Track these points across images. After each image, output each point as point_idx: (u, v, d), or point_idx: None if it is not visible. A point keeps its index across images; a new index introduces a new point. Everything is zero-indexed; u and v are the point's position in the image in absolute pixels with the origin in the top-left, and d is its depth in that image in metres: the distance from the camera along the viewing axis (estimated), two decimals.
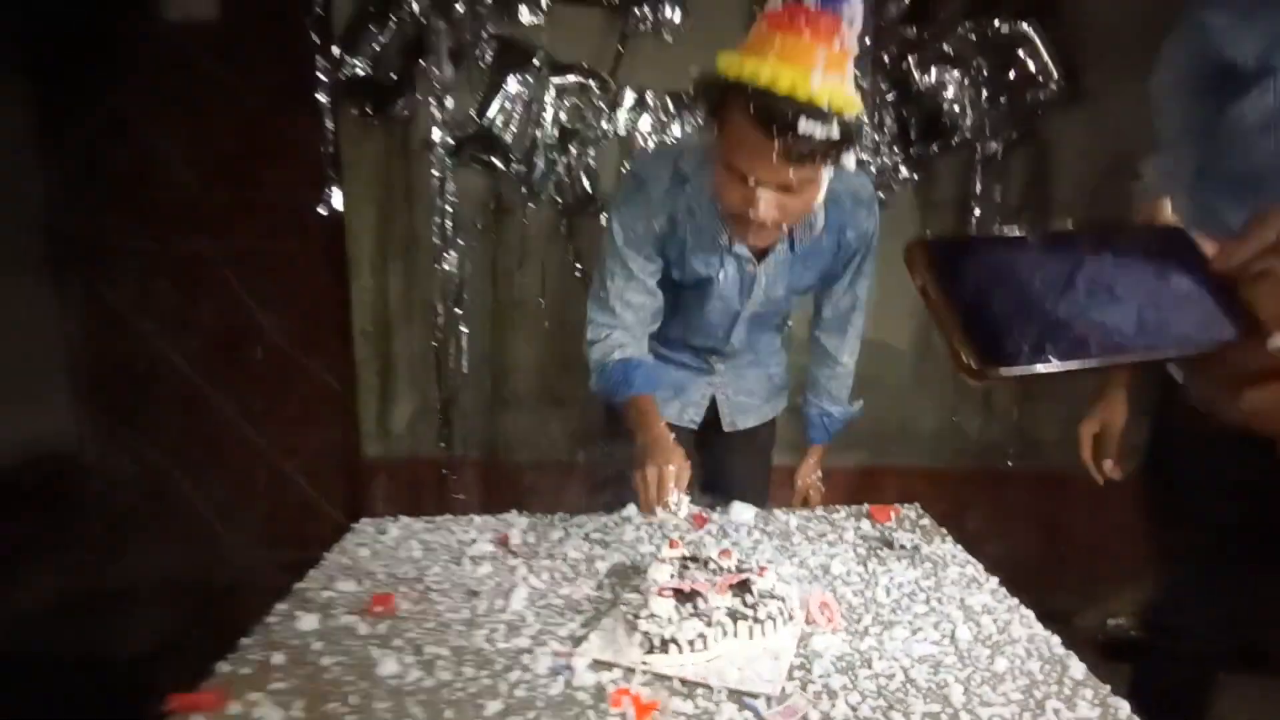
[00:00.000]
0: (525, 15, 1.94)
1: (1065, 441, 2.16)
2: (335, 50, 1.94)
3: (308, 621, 0.93)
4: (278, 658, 0.86)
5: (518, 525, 1.24)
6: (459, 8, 1.90)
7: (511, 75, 1.95)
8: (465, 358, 2.01)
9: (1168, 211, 1.35)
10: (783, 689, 0.79)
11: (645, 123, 2.01)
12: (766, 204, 1.04)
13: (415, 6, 1.91)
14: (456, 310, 1.98)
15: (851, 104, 0.97)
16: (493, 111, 1.97)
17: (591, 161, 2.01)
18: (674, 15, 1.94)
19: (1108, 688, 0.79)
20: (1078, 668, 0.83)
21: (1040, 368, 0.34)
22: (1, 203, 2.07)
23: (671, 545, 1.02)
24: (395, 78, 1.97)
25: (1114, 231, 0.40)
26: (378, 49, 1.95)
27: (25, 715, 1.66)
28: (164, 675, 0.90)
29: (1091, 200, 2.03)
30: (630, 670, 0.83)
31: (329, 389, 2.23)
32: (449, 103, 1.94)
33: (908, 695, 0.78)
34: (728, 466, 1.50)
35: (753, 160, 1.01)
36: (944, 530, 1.23)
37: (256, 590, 2.31)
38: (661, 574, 0.95)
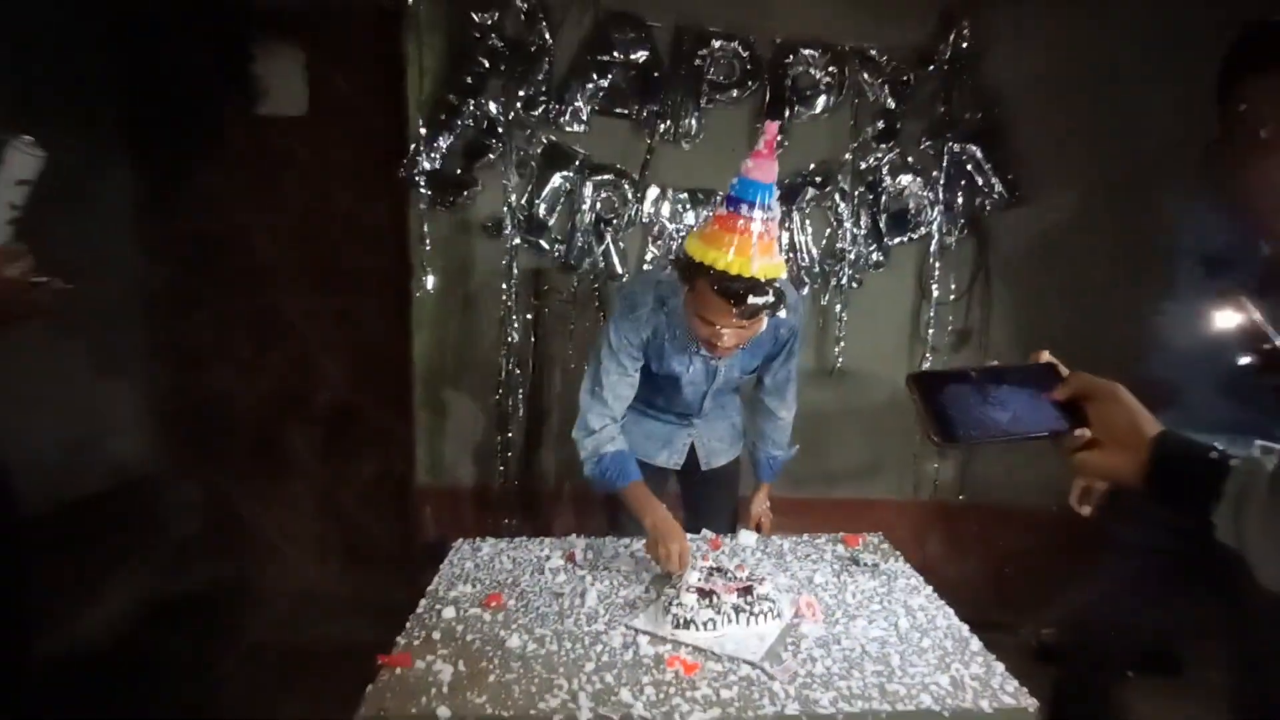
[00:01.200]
0: (569, 124, 2.37)
1: (1007, 483, 2.61)
2: (413, 147, 2.36)
3: (449, 612, 1.33)
4: (435, 634, 1.26)
5: (579, 545, 1.64)
6: (513, 115, 2.34)
7: (557, 173, 2.38)
8: (524, 406, 2.43)
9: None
10: (761, 658, 1.19)
11: (665, 210, 2.44)
12: (727, 339, 1.44)
13: (479, 114, 2.34)
14: (515, 369, 2.41)
15: (780, 270, 1.38)
16: (541, 200, 2.39)
17: (621, 244, 2.44)
18: (691, 127, 2.38)
19: (993, 656, 1.20)
20: (976, 644, 1.24)
21: (963, 444, 0.75)
22: (104, 260, 2.42)
23: (704, 559, 1.44)
24: (460, 172, 2.39)
25: (1015, 369, 0.81)
26: (445, 148, 2.37)
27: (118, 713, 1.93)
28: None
29: (1019, 274, 2.50)
30: (671, 642, 1.23)
31: (387, 428, 2.62)
32: (512, 195, 2.36)
33: (863, 661, 1.19)
34: (706, 495, 1.91)
35: (715, 315, 1.40)
36: (898, 553, 1.64)
37: (317, 598, 2.71)
38: (692, 577, 1.36)
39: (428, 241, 2.39)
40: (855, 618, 1.33)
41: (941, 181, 2.41)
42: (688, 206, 2.42)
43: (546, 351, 2.48)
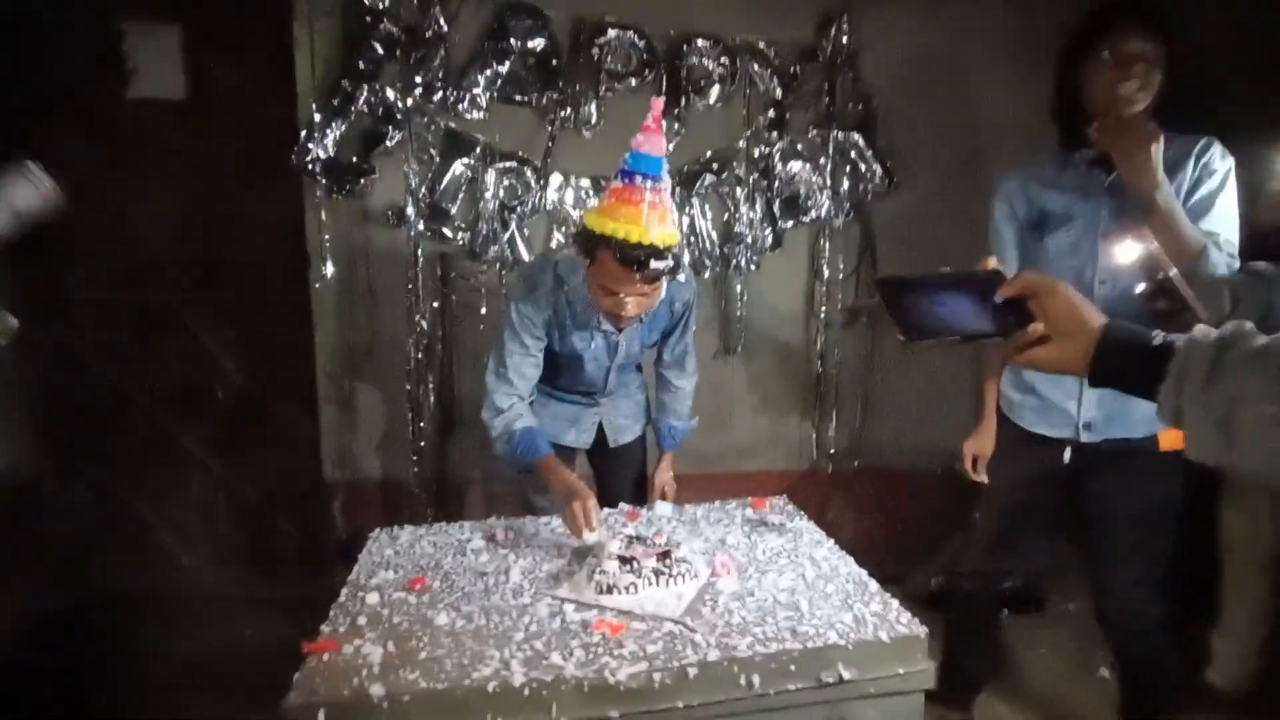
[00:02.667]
0: (469, 111, 2.36)
1: (898, 448, 2.82)
2: (304, 134, 2.28)
3: (372, 598, 1.33)
4: (361, 620, 1.25)
5: (498, 526, 1.66)
6: (411, 102, 2.30)
7: (458, 160, 2.37)
8: (434, 395, 2.40)
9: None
10: (681, 614, 1.26)
11: (569, 197, 2.47)
12: (631, 307, 1.52)
13: (375, 101, 2.29)
14: (419, 356, 2.37)
15: (675, 239, 1.46)
16: (442, 188, 2.37)
17: (526, 231, 2.45)
18: (591, 115, 2.42)
19: (889, 595, 1.33)
20: (874, 585, 1.36)
21: (926, 342, 0.82)
22: None
23: (630, 517, 1.55)
24: (356, 160, 2.33)
25: (967, 274, 0.87)
26: (340, 135, 2.30)
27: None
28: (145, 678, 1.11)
29: (900, 253, 2.70)
30: (596, 607, 1.29)
31: (291, 423, 2.53)
32: (412, 183, 2.32)
33: (776, 609, 1.28)
34: (615, 472, 2.00)
35: (619, 284, 1.48)
36: (802, 512, 1.76)
37: (224, 602, 2.60)
38: (613, 545, 1.42)
39: (325, 232, 2.32)
40: (766, 572, 1.43)
41: (828, 168, 2.56)
42: (591, 193, 2.46)
43: (456, 339, 2.47)
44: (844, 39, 2.49)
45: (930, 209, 2.64)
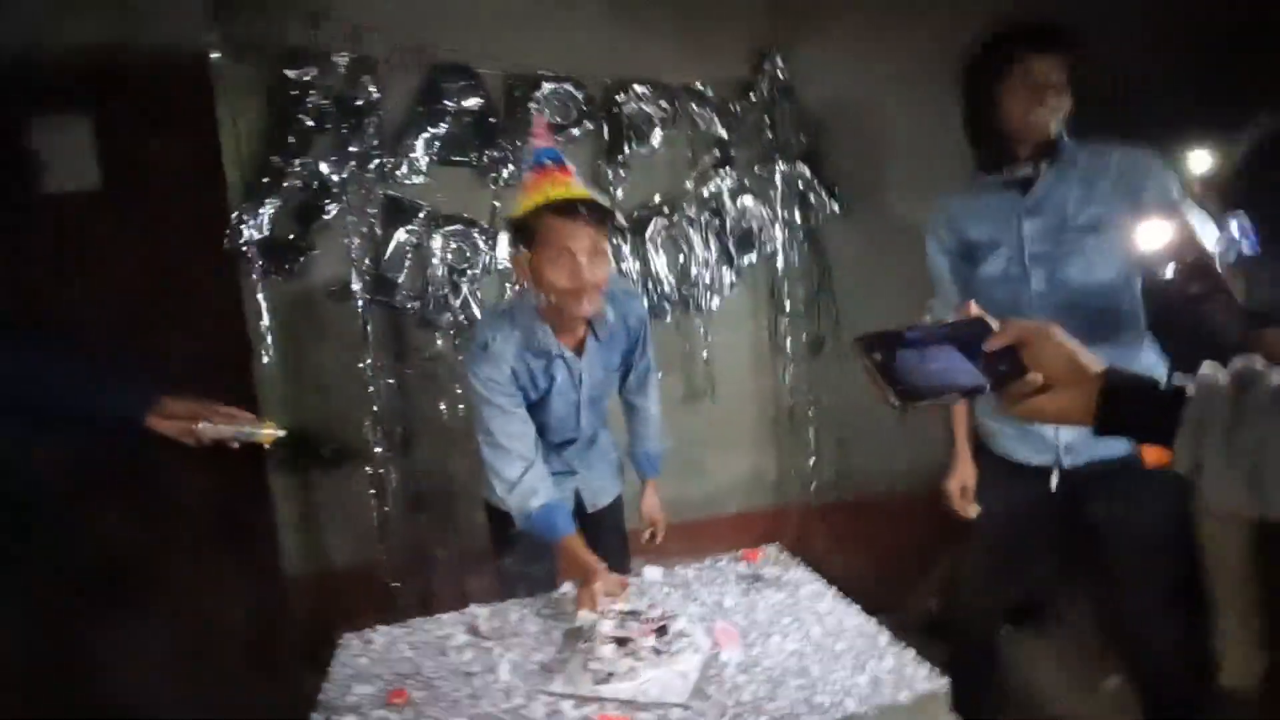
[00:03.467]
0: (408, 176, 2.28)
1: (883, 473, 2.79)
2: (235, 215, 2.17)
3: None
4: None
5: (481, 615, 1.55)
6: (346, 174, 2.22)
7: (401, 228, 2.29)
8: (395, 475, 2.28)
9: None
10: (688, 698, 1.18)
11: None
12: (588, 267, 1.46)
13: (308, 175, 2.21)
14: (378, 436, 2.26)
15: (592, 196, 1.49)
16: (387, 258, 2.28)
17: (478, 293, 2.37)
18: None
19: (902, 644, 1.26)
20: (884, 638, 1.30)
21: (917, 402, 0.75)
22: None
23: (620, 586, 1.48)
24: (293, 237, 2.23)
25: (951, 325, 0.82)
26: (274, 213, 2.20)
27: None
28: None
29: (857, 278, 2.69)
30: (595, 700, 1.19)
31: (246, 521, 2.37)
32: (353, 255, 2.23)
33: (786, 678, 1.21)
34: (597, 537, 1.84)
35: (569, 240, 1.44)
36: (797, 558, 1.69)
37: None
38: (605, 627, 1.32)
39: (265, 315, 2.20)
40: (770, 635, 1.35)
41: (778, 201, 2.56)
42: None
43: (417, 414, 2.36)
44: (779, 73, 2.51)
45: (882, 233, 2.64)
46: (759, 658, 1.28)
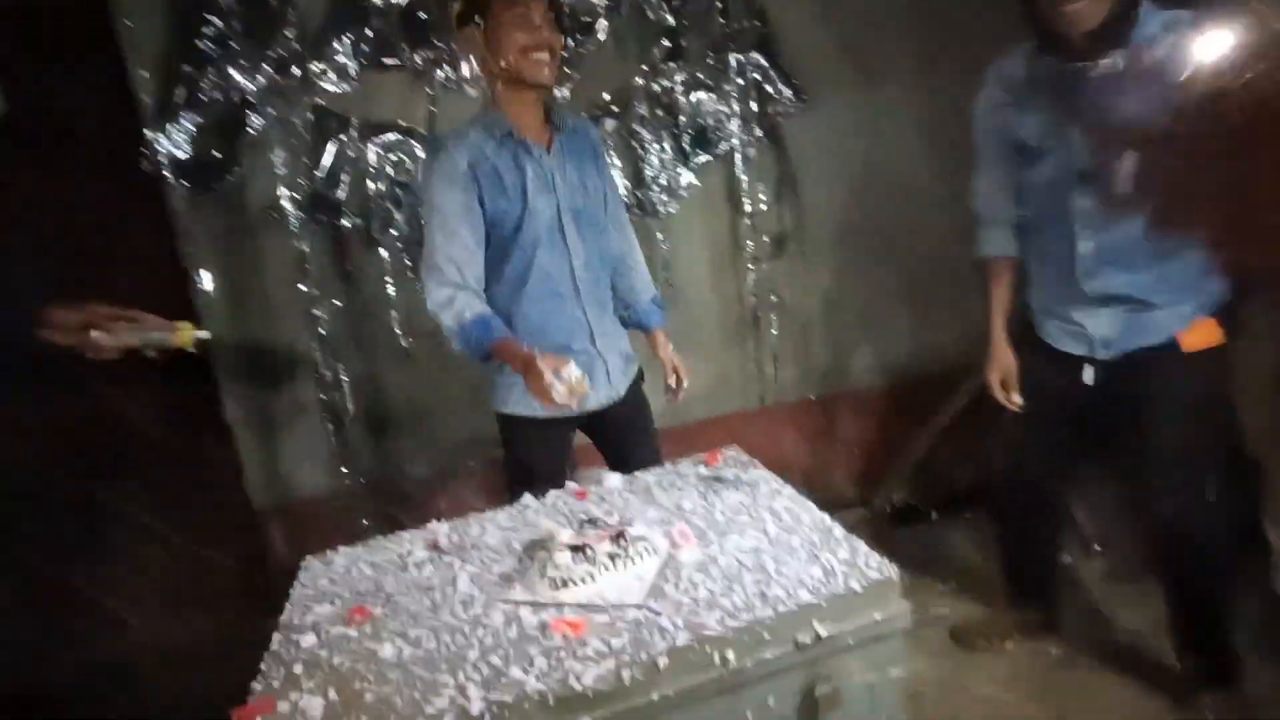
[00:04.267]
0: (336, 85, 2.13)
1: (844, 370, 2.79)
2: (149, 134, 2.02)
3: (308, 640, 1.20)
4: (297, 667, 1.14)
5: (441, 531, 1.54)
6: (263, 81, 2.05)
7: (331, 140, 2.15)
8: (350, 399, 2.23)
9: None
10: (644, 598, 1.19)
11: None
12: (543, 25, 1.48)
13: (224, 86, 2.04)
14: (335, 360, 2.19)
15: None
16: (321, 173, 2.16)
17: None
18: (472, 75, 2.22)
19: (855, 537, 1.28)
20: (838, 530, 1.31)
21: None
22: None
23: (579, 496, 1.48)
24: (217, 154, 2.09)
25: None
26: (194, 128, 2.05)
27: None
28: None
29: (821, 175, 2.61)
30: (554, 605, 1.20)
31: (204, 454, 2.33)
32: (281, 172, 2.10)
33: (742, 573, 1.22)
34: (627, 424, 1.84)
35: (523, 1, 1.46)
36: (756, 460, 1.70)
37: (163, 661, 2.41)
38: (564, 535, 1.32)
39: (199, 239, 2.09)
40: (727, 534, 1.36)
41: (734, 94, 2.43)
42: None
43: (368, 334, 2.29)
44: None
45: (845, 124, 2.55)
46: (715, 555, 1.29)
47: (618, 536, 1.30)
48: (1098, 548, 2.29)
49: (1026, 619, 2.04)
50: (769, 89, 2.47)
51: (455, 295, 1.52)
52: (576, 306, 1.70)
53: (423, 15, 2.16)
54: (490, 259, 1.61)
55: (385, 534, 1.58)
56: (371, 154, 2.18)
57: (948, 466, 2.72)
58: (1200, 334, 1.56)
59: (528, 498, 1.63)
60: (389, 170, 2.20)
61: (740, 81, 2.43)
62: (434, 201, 1.52)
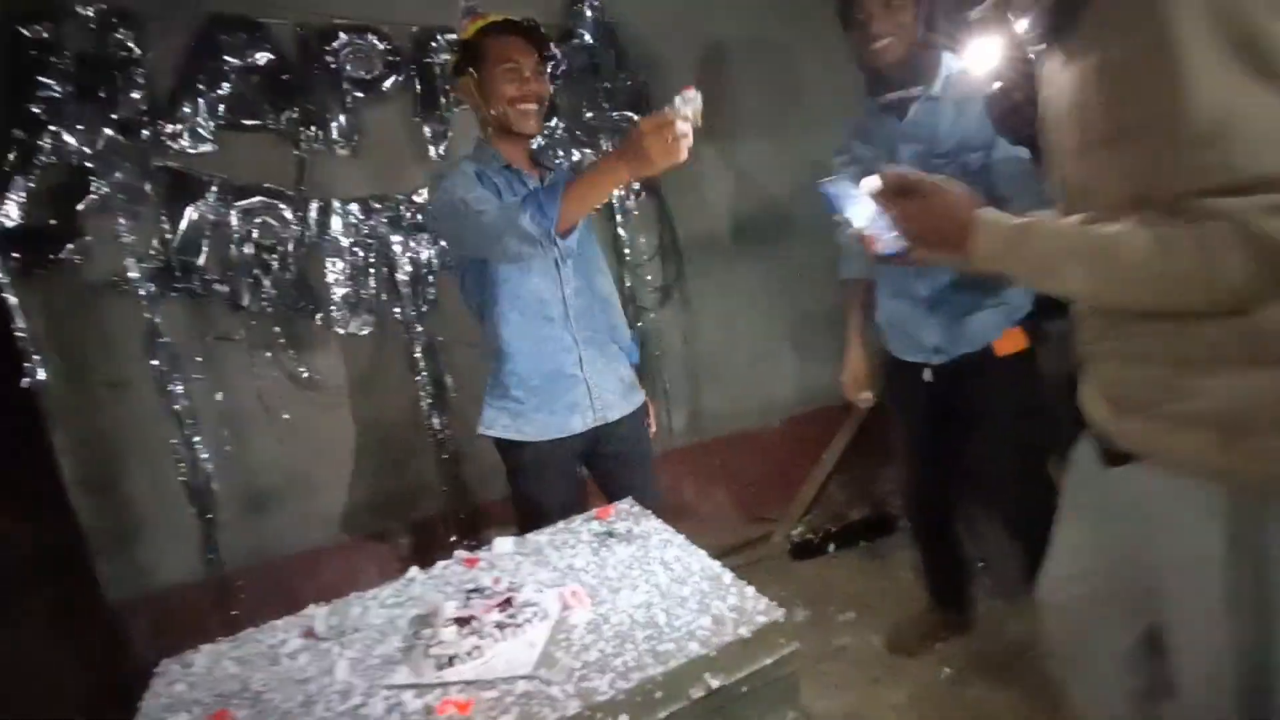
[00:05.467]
0: (191, 145, 2.03)
1: (735, 413, 2.85)
2: None
3: None
4: None
5: (319, 614, 1.43)
6: (103, 144, 1.93)
7: (189, 205, 2.03)
8: (215, 478, 2.06)
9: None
10: (535, 667, 1.15)
11: (337, 225, 2.22)
12: (532, 78, 1.60)
13: (60, 149, 1.90)
14: (195, 439, 2.03)
15: None
16: (176, 240, 2.03)
17: (292, 267, 2.16)
18: (342, 130, 2.17)
19: (744, 582, 1.28)
20: (728, 576, 1.31)
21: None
22: None
23: (469, 564, 1.39)
24: (54, 222, 1.93)
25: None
26: (26, 195, 1.89)
27: None
28: None
29: (698, 223, 2.70)
30: (440, 685, 1.13)
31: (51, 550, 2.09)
32: (127, 238, 1.96)
33: (634, 630, 1.20)
34: (619, 455, 1.83)
35: (513, 53, 1.58)
36: (649, 511, 1.69)
37: None
38: (447, 608, 1.26)
39: (31, 318, 1.90)
40: (619, 590, 1.33)
41: (609, 149, 2.49)
42: (361, 217, 2.22)
43: (233, 407, 2.14)
44: (598, 14, 2.42)
45: (719, 172, 2.65)
46: (607, 614, 1.26)
47: (505, 604, 1.25)
48: (980, 564, 2.40)
49: (949, 620, 2.19)
50: None
51: (500, 209, 1.49)
52: (566, 331, 1.73)
53: (285, 76, 2.10)
54: (486, 276, 1.65)
55: (259, 623, 1.46)
56: (234, 217, 2.07)
57: (842, 499, 2.81)
58: (1010, 341, 1.81)
59: (414, 570, 1.55)
60: (254, 234, 2.10)
61: (615, 137, 2.49)
62: (456, 194, 1.53)
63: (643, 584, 1.34)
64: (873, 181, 1.04)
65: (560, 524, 1.69)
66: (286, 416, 2.15)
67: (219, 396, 2.12)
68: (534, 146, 1.76)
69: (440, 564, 1.55)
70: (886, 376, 2.02)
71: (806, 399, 2.88)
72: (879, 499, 2.91)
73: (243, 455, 2.16)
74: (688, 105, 1.25)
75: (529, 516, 1.72)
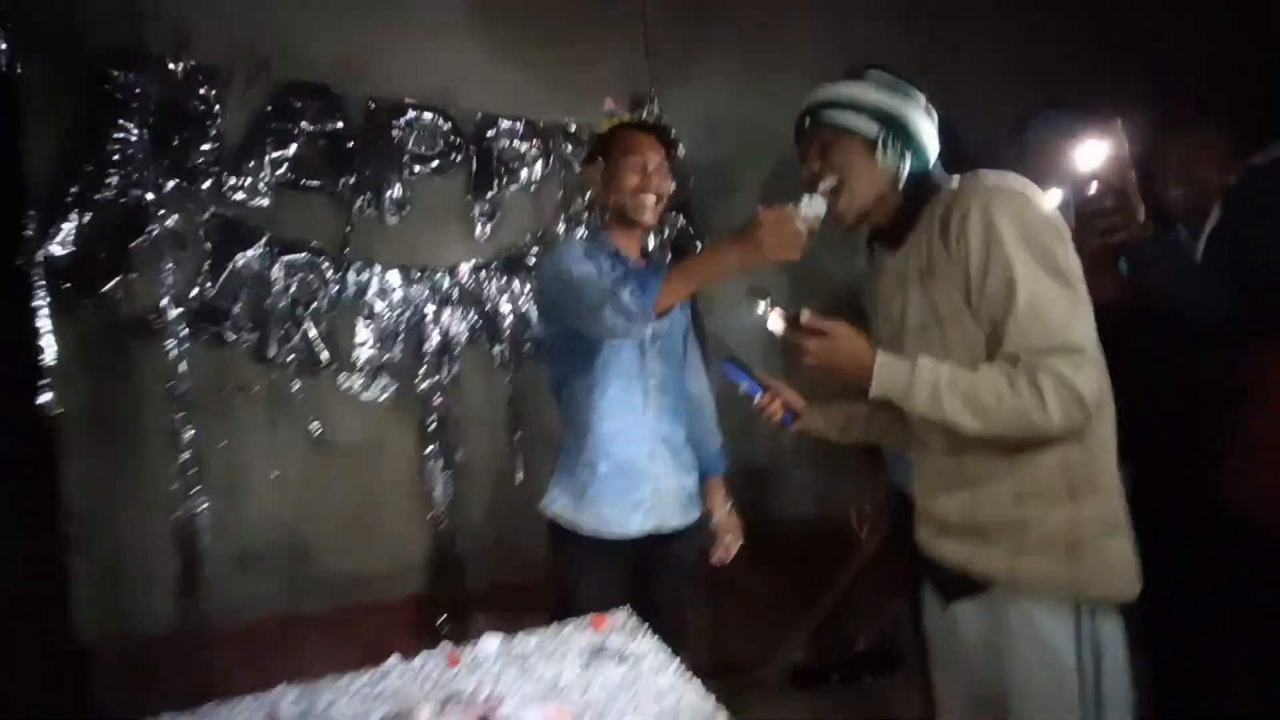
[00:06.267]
0: (249, 198, 2.08)
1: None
2: (30, 230, 1.90)
3: None
4: None
5: (286, 698, 1.36)
6: (169, 188, 1.99)
7: (238, 253, 2.08)
8: (207, 532, 2.02)
9: None
10: None
11: (374, 288, 2.24)
12: (655, 174, 1.63)
13: (125, 188, 1.97)
14: (195, 489, 2.00)
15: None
16: (214, 286, 2.06)
17: (323, 328, 2.18)
18: (395, 200, 2.23)
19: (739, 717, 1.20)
20: (722, 715, 1.23)
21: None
22: None
23: (451, 662, 1.34)
24: (105, 257, 1.97)
25: None
26: (82, 229, 1.94)
27: None
28: None
29: (728, 317, 2.67)
30: None
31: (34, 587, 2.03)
32: (170, 279, 2.00)
33: None
34: (658, 568, 1.73)
35: (640, 151, 1.62)
36: (645, 626, 1.61)
37: None
38: (422, 713, 1.18)
39: (59, 348, 1.91)
40: (604, 715, 1.25)
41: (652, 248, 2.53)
42: (398, 284, 2.25)
43: (238, 461, 2.12)
44: (657, 117, 2.50)
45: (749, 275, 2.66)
46: None
47: (483, 717, 1.18)
48: None
49: None
50: (685, 245, 2.58)
51: (602, 281, 1.52)
52: (643, 423, 1.68)
53: (350, 144, 2.18)
54: (575, 350, 1.64)
55: (228, 685, 1.38)
56: (277, 269, 2.11)
57: (851, 627, 2.67)
58: None
59: (394, 659, 1.47)
60: (292, 288, 2.13)
61: (656, 237, 2.53)
62: (562, 264, 1.57)
63: (630, 713, 1.26)
64: (778, 321, 1.20)
65: (552, 627, 1.61)
66: (287, 475, 2.11)
67: (222, 444, 2.09)
68: (648, 244, 1.84)
69: (421, 656, 1.47)
70: (893, 511, 1.95)
71: (817, 520, 2.78)
72: (888, 631, 2.77)
73: (239, 510, 2.11)
74: (811, 207, 1.25)
75: (567, 608, 1.63)
